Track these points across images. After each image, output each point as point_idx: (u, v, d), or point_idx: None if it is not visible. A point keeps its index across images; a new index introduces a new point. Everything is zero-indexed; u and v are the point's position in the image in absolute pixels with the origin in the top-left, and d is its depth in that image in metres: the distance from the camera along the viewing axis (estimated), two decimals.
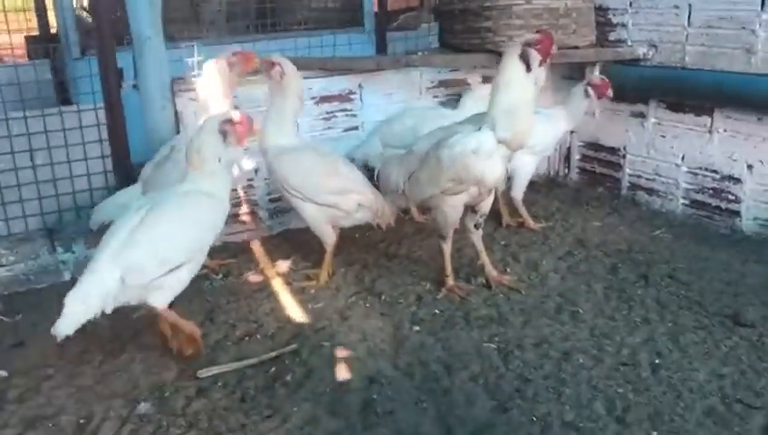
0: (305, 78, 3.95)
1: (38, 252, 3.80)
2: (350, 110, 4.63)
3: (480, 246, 3.68)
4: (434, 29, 6.11)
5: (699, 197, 4.41)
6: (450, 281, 3.61)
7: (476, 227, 3.63)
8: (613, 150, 4.89)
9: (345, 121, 4.63)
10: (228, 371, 2.96)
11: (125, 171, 4.08)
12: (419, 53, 4.66)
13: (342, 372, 2.93)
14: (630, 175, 4.81)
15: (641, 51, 4.48)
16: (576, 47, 4.46)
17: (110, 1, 3.96)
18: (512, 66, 3.15)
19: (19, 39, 6.26)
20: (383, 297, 3.57)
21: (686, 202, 4.49)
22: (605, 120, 4.89)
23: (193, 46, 4.41)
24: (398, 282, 3.73)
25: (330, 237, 3.69)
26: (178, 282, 2.92)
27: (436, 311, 3.42)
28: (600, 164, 5.02)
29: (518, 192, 4.36)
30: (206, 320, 3.38)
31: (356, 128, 4.66)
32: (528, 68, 3.13)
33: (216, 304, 3.54)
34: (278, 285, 3.75)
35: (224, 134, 2.98)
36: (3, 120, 3.82)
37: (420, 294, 3.59)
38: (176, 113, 4.11)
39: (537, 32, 3.24)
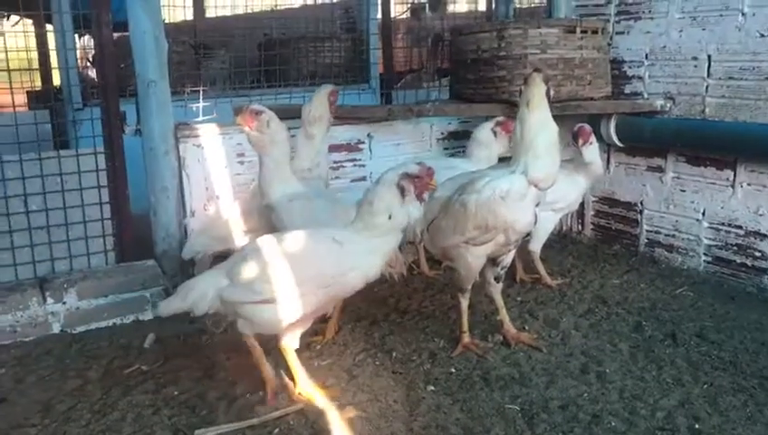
0: None
1: (27, 302, 3.57)
2: (359, 160, 4.50)
3: (500, 300, 3.48)
4: (435, 89, 6.10)
5: (722, 253, 4.22)
6: (466, 338, 3.38)
7: (497, 280, 3.43)
8: (629, 206, 4.73)
9: (353, 172, 4.49)
10: (227, 431, 2.70)
11: (124, 219, 3.92)
12: (431, 104, 4.53)
13: None
14: (648, 231, 4.63)
15: (659, 103, 4.36)
16: (591, 99, 4.34)
17: (115, 51, 3.85)
18: (542, 104, 3.03)
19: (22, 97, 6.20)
20: (394, 354, 3.33)
21: (709, 259, 4.29)
22: (620, 175, 4.75)
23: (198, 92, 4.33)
24: (410, 338, 3.50)
25: None
26: (264, 316, 2.79)
27: (453, 370, 3.18)
28: (615, 220, 4.85)
29: (537, 246, 4.16)
30: (205, 377, 3.14)
31: (364, 178, 4.51)
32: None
33: (215, 359, 3.30)
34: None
35: (401, 190, 2.77)
36: None
37: (434, 352, 3.35)
38: (179, 158, 3.96)
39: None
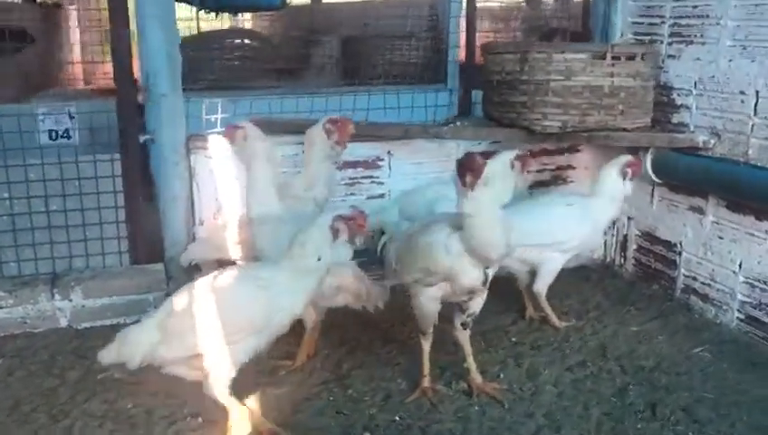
0: None
1: (37, 297, 3.85)
2: (377, 177, 4.42)
3: (467, 347, 3.33)
4: None
5: (756, 313, 3.76)
6: (426, 382, 3.26)
7: (464, 326, 3.28)
8: (669, 245, 4.32)
9: (370, 189, 4.42)
10: None
11: (137, 223, 4.11)
12: (452, 124, 4.35)
13: None
14: (686, 276, 4.22)
15: (701, 139, 3.93)
16: (624, 129, 3.99)
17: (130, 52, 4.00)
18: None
19: None
20: (349, 392, 3.28)
21: (742, 317, 3.85)
22: (663, 211, 4.35)
23: (218, 102, 4.43)
24: (376, 374, 3.43)
25: (310, 317, 3.47)
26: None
27: (397, 418, 3.08)
28: (656, 258, 4.46)
29: (542, 287, 3.91)
30: (162, 392, 3.23)
31: (382, 196, 4.44)
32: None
33: None
34: None
35: (335, 232, 2.83)
36: (22, 167, 3.94)
37: (390, 393, 3.27)
38: (189, 169, 4.09)
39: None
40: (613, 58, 3.85)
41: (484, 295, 3.22)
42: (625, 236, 4.70)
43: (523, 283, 3.99)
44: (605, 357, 3.61)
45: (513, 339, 3.82)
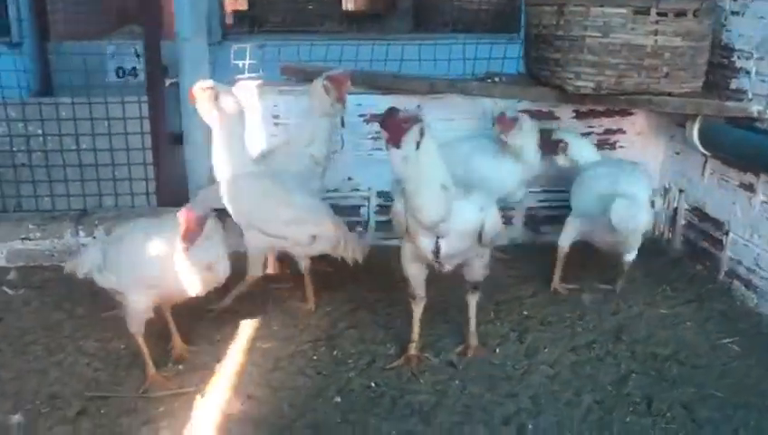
0: (354, 93, 3.79)
1: (62, 232, 4.01)
2: None
3: (471, 311, 3.21)
4: None
5: None
6: (411, 350, 3.16)
7: (474, 288, 3.17)
8: (717, 224, 3.94)
9: None
10: (116, 396, 2.86)
11: (162, 166, 4.17)
12: (489, 80, 4.08)
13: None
14: (731, 258, 3.84)
15: (756, 108, 3.50)
16: (669, 94, 3.61)
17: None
18: None
19: None
20: (335, 352, 3.23)
21: None
22: (713, 185, 3.95)
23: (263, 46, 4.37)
24: (367, 337, 3.35)
25: (257, 270, 3.47)
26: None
27: (372, 384, 3.00)
28: (702, 236, 4.08)
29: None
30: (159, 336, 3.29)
31: None
32: None
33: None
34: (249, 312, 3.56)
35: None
36: (53, 104, 4.06)
37: (376, 358, 3.18)
38: None
39: None
40: (659, 14, 3.45)
41: (481, 264, 3.06)
42: (675, 210, 4.32)
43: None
44: (618, 340, 3.37)
45: (526, 312, 3.62)
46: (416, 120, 2.66)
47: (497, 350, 3.27)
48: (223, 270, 2.82)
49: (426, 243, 2.87)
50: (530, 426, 2.75)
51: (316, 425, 2.73)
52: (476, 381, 3.03)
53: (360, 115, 4.14)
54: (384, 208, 4.20)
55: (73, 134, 4.11)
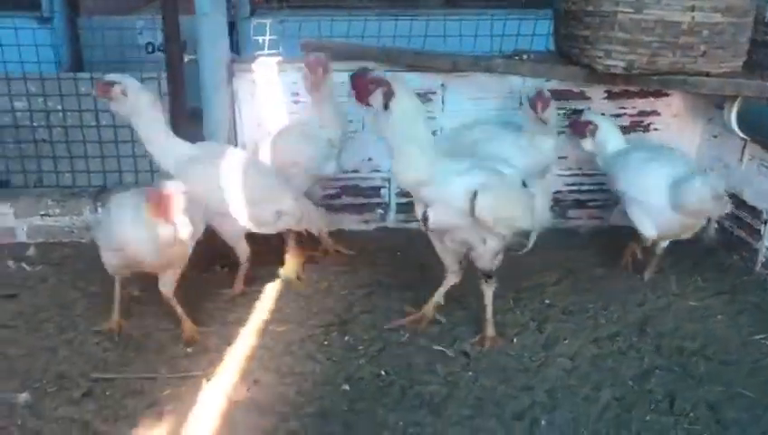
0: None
1: (81, 209, 3.99)
2: (429, 111, 4.10)
3: (487, 299, 3.11)
4: None
5: None
6: (428, 309, 3.21)
7: (486, 276, 3.08)
8: (755, 212, 3.74)
9: None
10: (122, 378, 2.84)
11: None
12: (517, 58, 3.91)
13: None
14: None
15: None
16: (707, 74, 3.41)
17: None
18: None
19: None
20: (347, 338, 3.15)
21: None
22: (752, 172, 3.75)
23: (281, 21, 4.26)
24: (380, 323, 3.26)
25: (244, 252, 3.44)
26: None
27: (382, 372, 2.91)
28: (739, 225, 3.89)
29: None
30: (165, 315, 3.25)
31: (433, 133, 4.13)
32: None
33: (192, 300, 3.40)
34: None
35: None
36: (71, 79, 4.02)
37: (387, 345, 3.10)
38: (231, 93, 3.99)
39: None
40: None
41: (489, 251, 2.96)
42: None
43: None
44: (643, 332, 3.22)
45: (547, 301, 3.49)
46: (382, 82, 2.75)
47: (515, 340, 3.16)
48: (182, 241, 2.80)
49: (417, 210, 2.91)
50: (543, 421, 2.64)
51: (322, 413, 2.66)
52: (490, 372, 2.92)
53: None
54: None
55: (93, 110, 4.07)
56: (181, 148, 3.30)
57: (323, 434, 2.56)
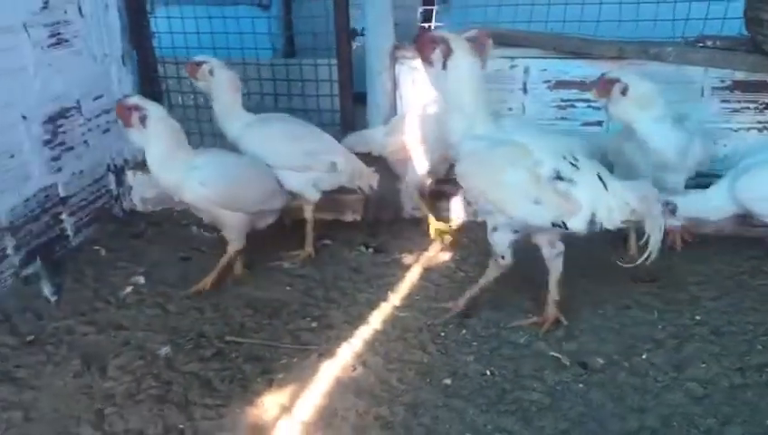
0: (535, 57, 3.72)
1: None
2: (595, 101, 3.85)
3: (553, 275, 3.02)
4: None
5: None
6: (457, 304, 3.21)
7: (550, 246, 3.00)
8: None
9: (585, 114, 3.90)
10: (249, 343, 3.07)
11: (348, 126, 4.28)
12: (701, 45, 3.51)
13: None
14: None
15: None
16: None
17: None
18: None
19: None
20: (464, 332, 3.11)
21: None
22: None
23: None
24: (500, 320, 3.16)
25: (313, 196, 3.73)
26: None
27: (487, 372, 2.84)
28: None
29: None
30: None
31: (599, 124, 3.89)
32: None
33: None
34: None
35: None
36: (241, 65, 4.34)
37: (501, 344, 3.00)
38: (393, 79, 4.07)
39: None
40: None
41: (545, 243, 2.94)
42: None
43: None
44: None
45: (698, 317, 3.13)
46: (442, 40, 2.75)
47: (644, 356, 2.89)
48: None
49: None
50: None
51: (415, 404, 2.67)
52: (604, 387, 2.71)
53: (545, 81, 3.85)
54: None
55: (272, 94, 4.39)
56: (247, 117, 3.67)
57: (409, 426, 2.57)
